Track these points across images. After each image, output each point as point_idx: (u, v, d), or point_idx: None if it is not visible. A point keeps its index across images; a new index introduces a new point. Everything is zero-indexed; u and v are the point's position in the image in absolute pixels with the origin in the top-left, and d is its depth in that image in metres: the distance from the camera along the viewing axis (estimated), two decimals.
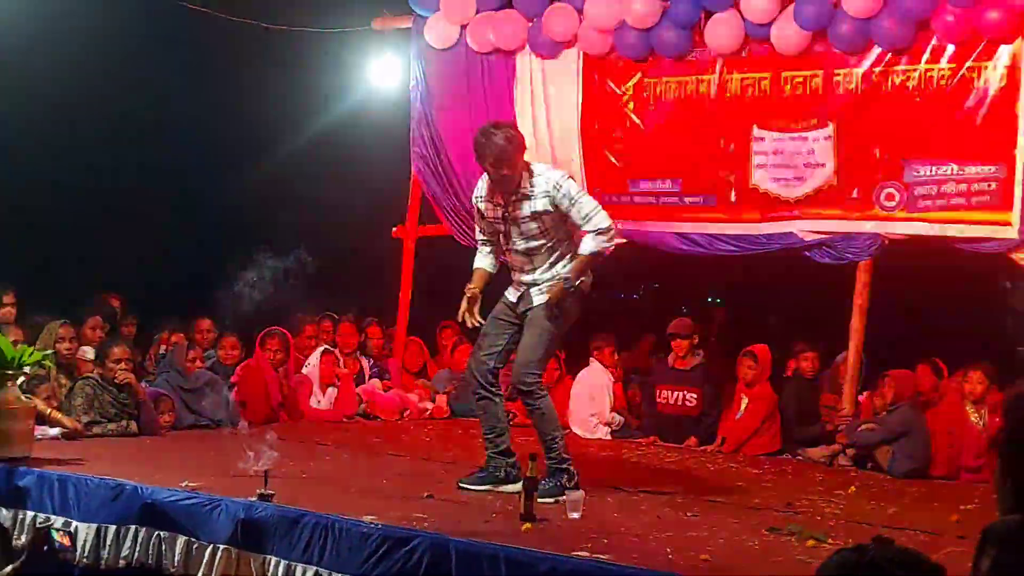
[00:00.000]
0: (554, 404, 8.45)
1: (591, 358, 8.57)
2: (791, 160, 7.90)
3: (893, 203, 7.57)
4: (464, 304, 5.78)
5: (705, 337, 8.87)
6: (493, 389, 5.82)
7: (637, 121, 8.49)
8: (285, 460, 5.82)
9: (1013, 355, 7.96)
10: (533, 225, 5.67)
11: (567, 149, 8.73)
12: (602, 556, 4.43)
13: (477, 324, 5.79)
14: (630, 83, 8.50)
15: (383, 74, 9.48)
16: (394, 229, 9.47)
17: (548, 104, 8.77)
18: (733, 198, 8.16)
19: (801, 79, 7.89)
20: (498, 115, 8.85)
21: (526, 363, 5.72)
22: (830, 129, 7.78)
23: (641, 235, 8.53)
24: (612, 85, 8.57)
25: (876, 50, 7.56)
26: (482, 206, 5.87)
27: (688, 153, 8.31)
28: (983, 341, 8.41)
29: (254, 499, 5.11)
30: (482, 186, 5.87)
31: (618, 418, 8.39)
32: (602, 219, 5.64)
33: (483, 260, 5.95)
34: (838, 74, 7.73)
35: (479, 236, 6.02)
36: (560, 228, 5.73)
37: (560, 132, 8.75)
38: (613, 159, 8.60)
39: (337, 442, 7.32)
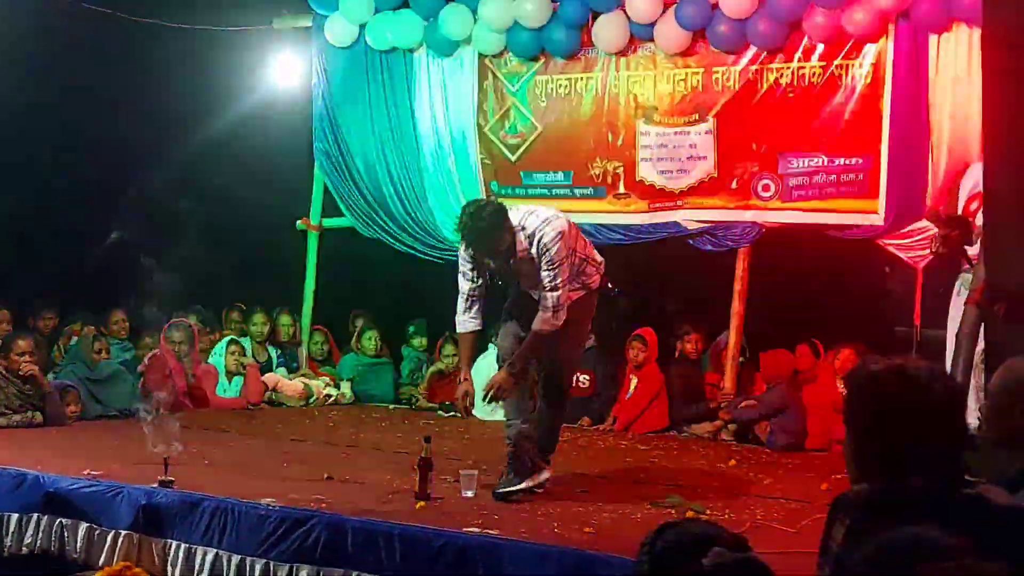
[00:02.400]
0: (454, 387, 8.55)
1: (490, 342, 8.55)
2: (674, 153, 8.04)
3: (769, 193, 7.76)
4: (461, 402, 5.44)
5: (608, 324, 8.92)
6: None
7: (530, 117, 8.55)
8: (189, 447, 5.74)
9: (891, 335, 8.18)
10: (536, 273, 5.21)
11: (465, 142, 8.78)
12: (492, 531, 4.47)
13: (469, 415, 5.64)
14: (522, 81, 8.55)
15: (285, 72, 9.36)
16: (299, 221, 9.39)
17: (446, 101, 8.80)
18: (621, 189, 8.27)
19: (683, 76, 8.02)
20: (397, 112, 8.93)
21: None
22: (710, 124, 7.92)
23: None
24: (505, 82, 8.62)
25: (752, 49, 7.72)
26: (469, 267, 5.32)
27: (578, 147, 8.39)
28: (858, 322, 8.64)
29: (155, 486, 5.04)
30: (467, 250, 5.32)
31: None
32: (553, 299, 5.12)
33: (470, 322, 5.40)
34: (717, 72, 7.87)
35: (464, 288, 5.38)
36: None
37: (457, 128, 8.79)
38: (507, 153, 8.65)
39: (241, 430, 7.24)
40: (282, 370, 8.84)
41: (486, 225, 5.01)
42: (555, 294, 5.11)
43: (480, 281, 5.33)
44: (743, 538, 2.03)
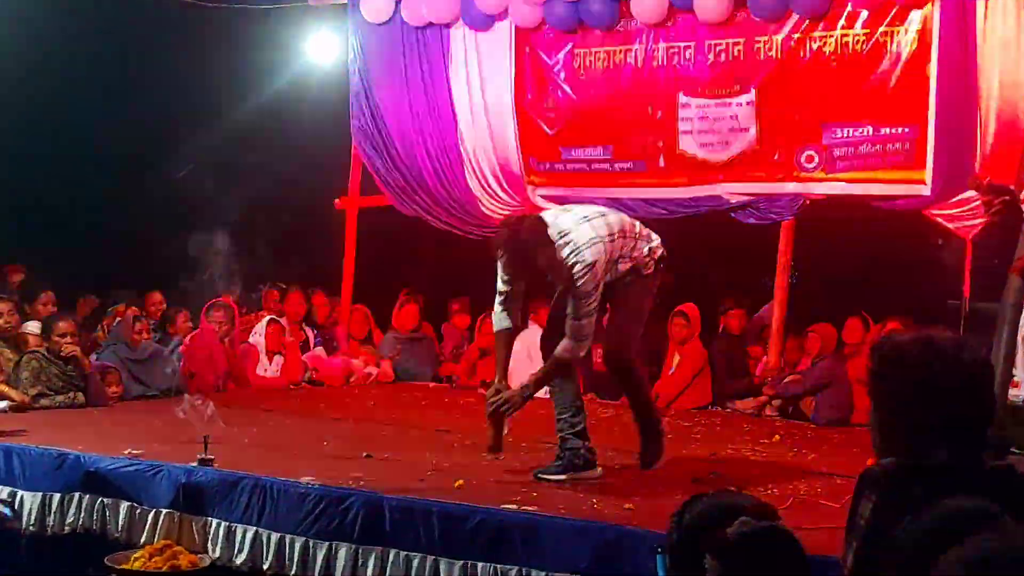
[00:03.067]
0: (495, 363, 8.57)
1: (528, 320, 8.54)
2: (716, 126, 7.95)
3: (813, 164, 7.64)
4: (491, 400, 5.23)
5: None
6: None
7: (568, 91, 8.49)
8: (230, 427, 5.76)
9: (940, 308, 8.06)
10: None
11: (502, 120, 8.73)
12: (529, 508, 4.45)
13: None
14: (561, 54, 8.50)
15: (321, 49, 9.38)
16: (336, 201, 9.41)
17: (482, 76, 8.76)
18: (662, 163, 8.20)
19: (724, 47, 7.92)
20: (434, 88, 8.90)
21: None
22: (752, 95, 7.82)
23: (575, 201, 8.50)
24: (543, 56, 8.56)
25: (794, 17, 7.61)
26: (506, 275, 5.22)
27: (618, 121, 8.32)
28: (906, 295, 8.51)
29: (195, 464, 5.06)
30: None
31: None
32: (576, 327, 5.00)
33: (504, 321, 5.33)
34: (759, 41, 7.77)
35: (501, 289, 5.27)
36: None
37: (494, 104, 8.74)
38: (546, 128, 8.60)
39: (282, 409, 7.25)
40: (320, 349, 8.86)
41: (525, 241, 4.88)
42: (579, 323, 4.98)
43: (514, 287, 5.24)
44: (771, 507, 2.00)
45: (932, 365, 2.28)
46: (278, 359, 8.43)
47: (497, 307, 5.31)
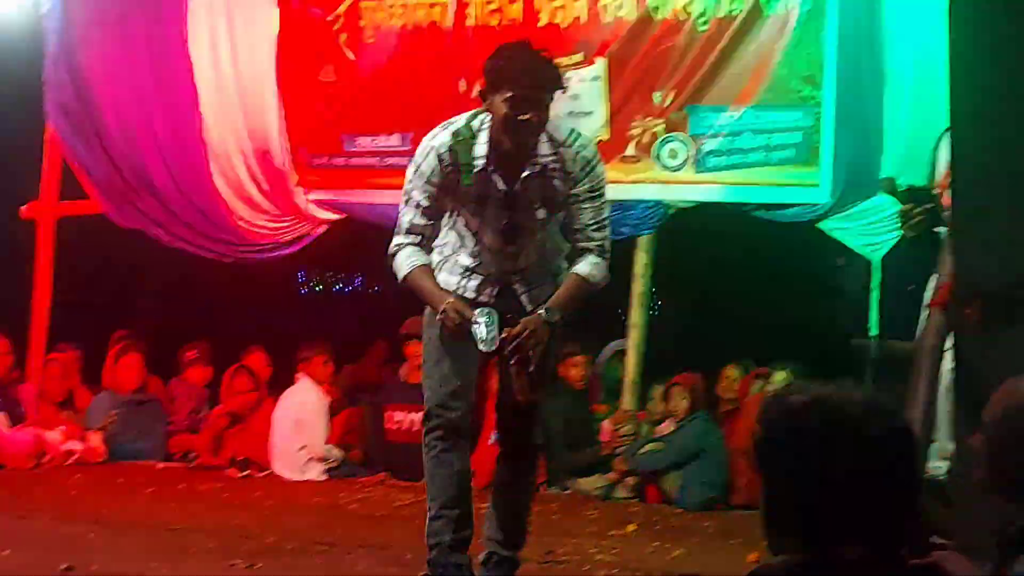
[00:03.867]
0: (251, 435, 8.45)
1: (297, 374, 8.48)
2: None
3: (677, 161, 7.81)
4: (452, 319, 4.76)
5: None
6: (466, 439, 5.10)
7: (352, 57, 8.55)
8: None
9: (842, 349, 8.31)
10: (541, 212, 4.91)
11: (261, 97, 8.75)
12: None
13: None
14: (342, 7, 8.55)
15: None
16: (23, 207, 9.23)
17: (234, 39, 8.79)
18: None
19: (560, 4, 8.07)
20: (165, 53, 8.86)
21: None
22: (599, 68, 7.99)
23: (364, 208, 8.65)
24: (318, 11, 8.60)
25: None
26: (433, 189, 4.86)
27: (420, 99, 8.34)
28: (800, 332, 8.79)
29: None
30: (448, 144, 4.84)
31: (336, 451, 8.35)
32: (607, 242, 4.96)
33: (423, 256, 4.96)
34: (605, 0, 7.94)
35: (414, 221, 4.94)
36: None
37: (251, 75, 8.78)
38: (323, 108, 8.63)
39: None
40: (1, 415, 8.55)
41: (545, 62, 4.77)
42: (607, 234, 4.96)
43: (434, 221, 4.95)
44: None
45: (834, 437, 2.31)
46: None
47: (405, 246, 4.94)
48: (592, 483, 7.71)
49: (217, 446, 8.56)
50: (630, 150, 7.92)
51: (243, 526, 6.43)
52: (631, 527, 6.67)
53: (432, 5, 8.32)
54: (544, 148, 4.76)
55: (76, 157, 9.07)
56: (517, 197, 4.81)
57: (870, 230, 7.49)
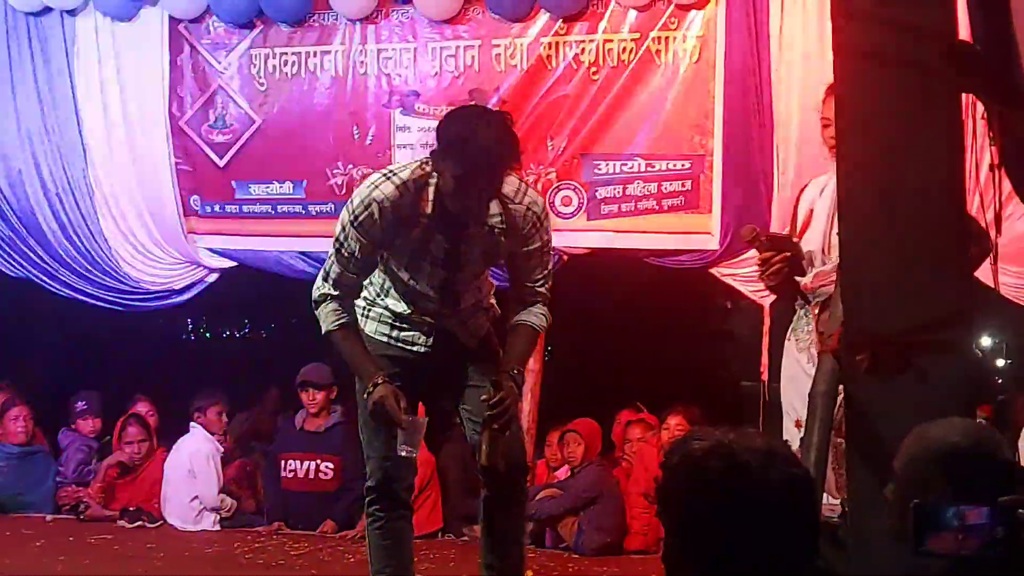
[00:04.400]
0: (143, 486, 8.35)
1: (192, 423, 8.40)
2: None
3: (570, 208, 7.89)
4: (389, 404, 4.55)
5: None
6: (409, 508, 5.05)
7: (244, 105, 8.54)
8: None
9: (735, 392, 8.40)
10: (480, 265, 4.80)
11: (151, 141, 8.68)
12: None
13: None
14: (233, 55, 8.53)
15: None
16: None
17: (122, 83, 8.69)
18: None
19: (452, 52, 8.14)
20: (54, 97, 8.73)
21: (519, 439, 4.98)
22: None
23: (256, 257, 8.66)
24: (209, 57, 8.57)
25: (544, 16, 7.93)
26: (378, 231, 4.54)
27: (313, 148, 8.40)
28: (693, 377, 8.87)
29: None
30: (391, 198, 4.50)
31: (229, 501, 8.28)
32: (547, 292, 4.84)
33: (346, 314, 4.73)
34: (498, 45, 8.02)
35: (343, 275, 4.68)
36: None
37: (140, 118, 8.70)
38: (213, 155, 8.61)
39: None
40: None
41: (511, 138, 4.40)
42: (551, 282, 4.84)
43: (361, 276, 4.73)
44: None
45: (735, 485, 2.37)
46: None
47: (326, 299, 4.71)
48: None
49: (108, 497, 8.44)
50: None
51: None
52: (528, 573, 6.67)
53: (324, 53, 8.34)
54: (493, 207, 4.54)
55: None
56: (458, 255, 4.63)
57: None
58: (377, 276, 4.80)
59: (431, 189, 4.48)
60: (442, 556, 7.27)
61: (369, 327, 4.83)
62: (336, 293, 4.66)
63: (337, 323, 4.66)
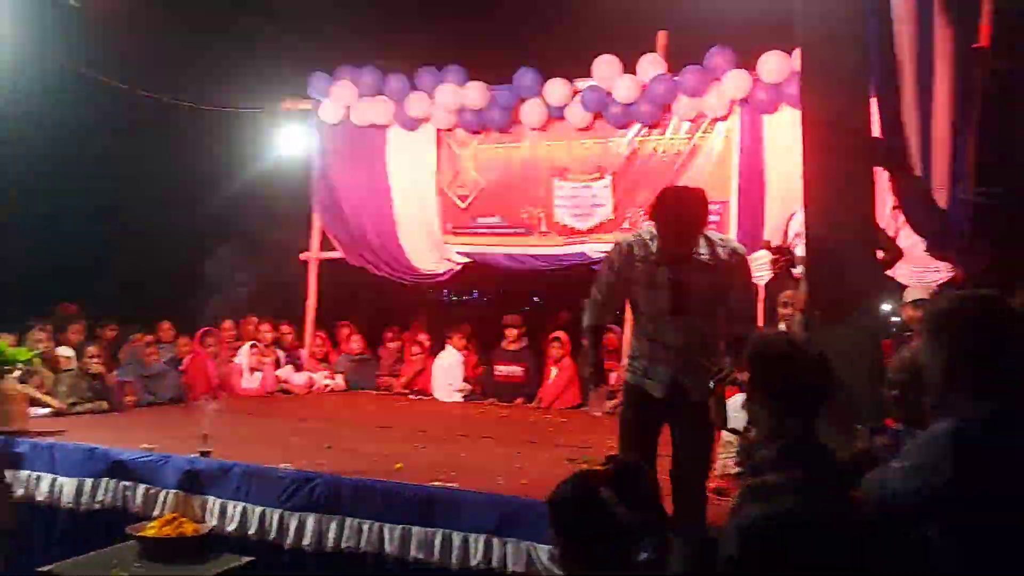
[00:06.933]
0: (426, 375, 8.40)
1: (446, 343, 8.57)
2: (582, 202, 8.15)
3: None
4: (595, 395, 4.02)
5: (535, 326, 8.97)
6: None
7: (475, 176, 8.58)
8: (222, 426, 5.65)
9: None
10: (698, 296, 3.69)
11: (424, 197, 8.73)
12: (450, 484, 4.48)
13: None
14: (469, 148, 8.57)
15: (291, 142, 9.29)
16: (301, 255, 9.24)
17: (411, 164, 8.76)
18: (543, 228, 8.34)
19: (587, 145, 8.12)
20: (373, 174, 8.84)
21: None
22: (607, 180, 8.04)
23: (482, 256, 8.68)
24: (456, 149, 8.63)
25: (637, 125, 7.87)
26: (620, 263, 3.77)
27: (511, 198, 8.43)
28: None
29: (196, 455, 4.98)
30: (630, 242, 3.78)
31: (467, 386, 8.32)
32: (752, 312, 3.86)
33: (600, 315, 3.93)
34: (612, 141, 7.99)
35: (601, 287, 3.88)
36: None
37: (419, 185, 8.75)
38: (459, 202, 8.64)
39: (261, 413, 7.12)
40: (289, 367, 8.73)
41: (693, 209, 3.60)
42: (752, 313, 3.79)
43: (611, 293, 3.88)
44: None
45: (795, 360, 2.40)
46: (257, 375, 8.28)
47: (595, 303, 3.91)
48: (608, 405, 7.39)
49: (411, 383, 8.54)
50: (625, 224, 7.93)
51: (409, 430, 6.41)
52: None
53: (516, 147, 8.37)
54: (703, 249, 3.69)
55: (328, 227, 9.08)
56: (680, 283, 3.67)
57: (758, 268, 7.45)
58: (641, 340, 3.82)
59: (655, 241, 3.70)
60: (581, 419, 7.11)
61: (637, 365, 3.86)
62: (598, 298, 3.90)
63: (591, 319, 3.93)
